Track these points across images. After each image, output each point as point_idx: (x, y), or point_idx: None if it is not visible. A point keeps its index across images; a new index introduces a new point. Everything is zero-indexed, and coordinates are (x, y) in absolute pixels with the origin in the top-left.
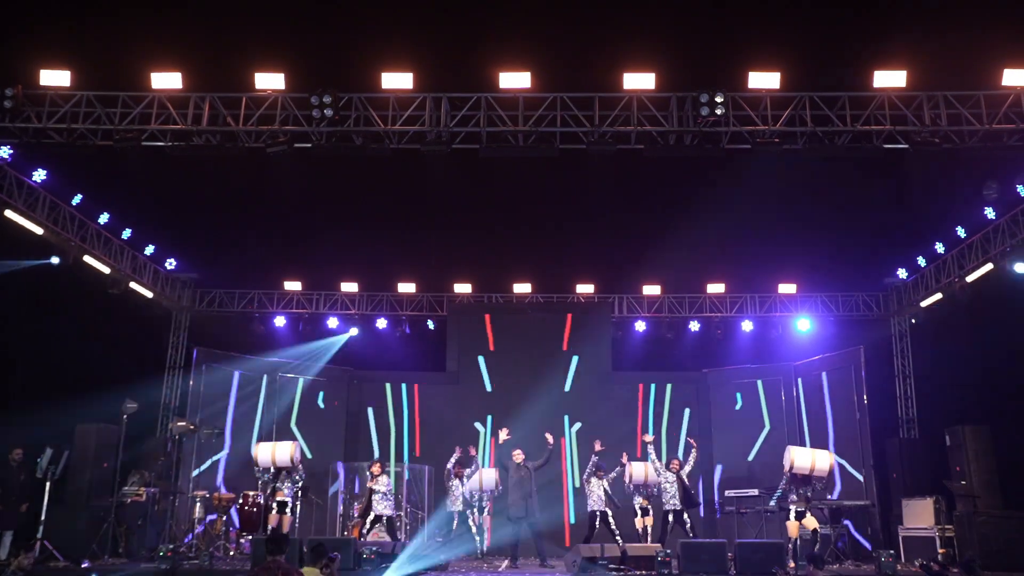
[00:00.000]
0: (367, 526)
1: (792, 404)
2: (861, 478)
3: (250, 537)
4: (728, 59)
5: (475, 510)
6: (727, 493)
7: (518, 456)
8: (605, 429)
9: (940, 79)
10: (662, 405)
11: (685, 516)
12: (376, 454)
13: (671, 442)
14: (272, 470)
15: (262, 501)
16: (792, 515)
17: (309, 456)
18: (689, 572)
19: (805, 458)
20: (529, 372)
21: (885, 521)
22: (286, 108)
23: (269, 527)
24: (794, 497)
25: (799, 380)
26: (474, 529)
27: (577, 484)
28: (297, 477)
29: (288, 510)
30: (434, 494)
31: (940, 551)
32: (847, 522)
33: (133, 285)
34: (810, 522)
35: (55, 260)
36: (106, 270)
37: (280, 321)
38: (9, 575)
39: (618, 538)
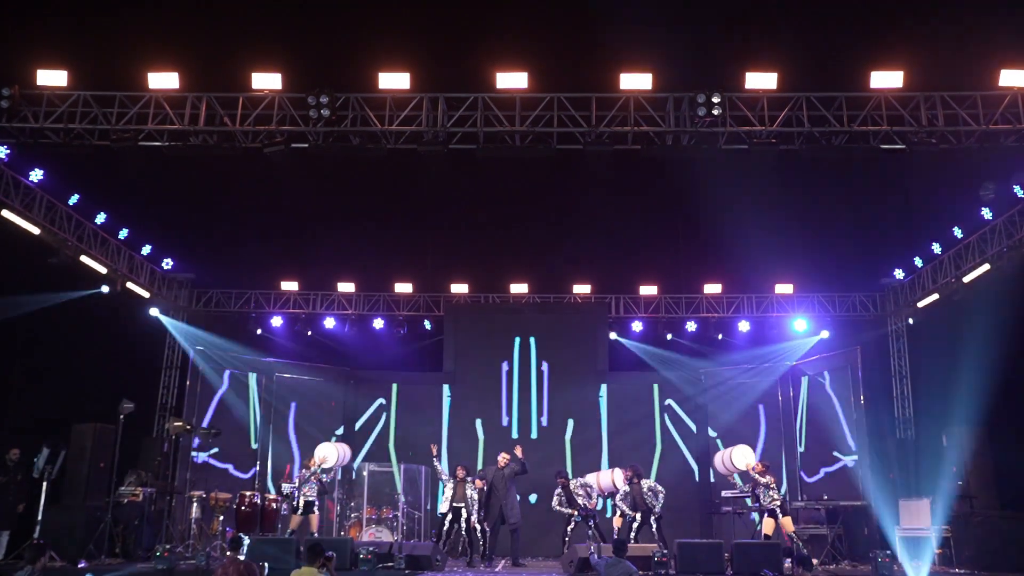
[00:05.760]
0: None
1: (789, 405)
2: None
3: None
4: (725, 60)
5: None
6: (723, 494)
7: (503, 459)
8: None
9: (937, 80)
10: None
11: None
12: (364, 453)
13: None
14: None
15: (258, 501)
16: (780, 513)
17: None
18: (686, 572)
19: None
20: (526, 373)
21: (882, 521)
22: (283, 108)
23: (291, 529)
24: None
25: (795, 380)
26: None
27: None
28: (325, 478)
29: (315, 508)
30: (431, 494)
31: (937, 551)
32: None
33: (130, 285)
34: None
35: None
36: (103, 270)
37: (277, 321)
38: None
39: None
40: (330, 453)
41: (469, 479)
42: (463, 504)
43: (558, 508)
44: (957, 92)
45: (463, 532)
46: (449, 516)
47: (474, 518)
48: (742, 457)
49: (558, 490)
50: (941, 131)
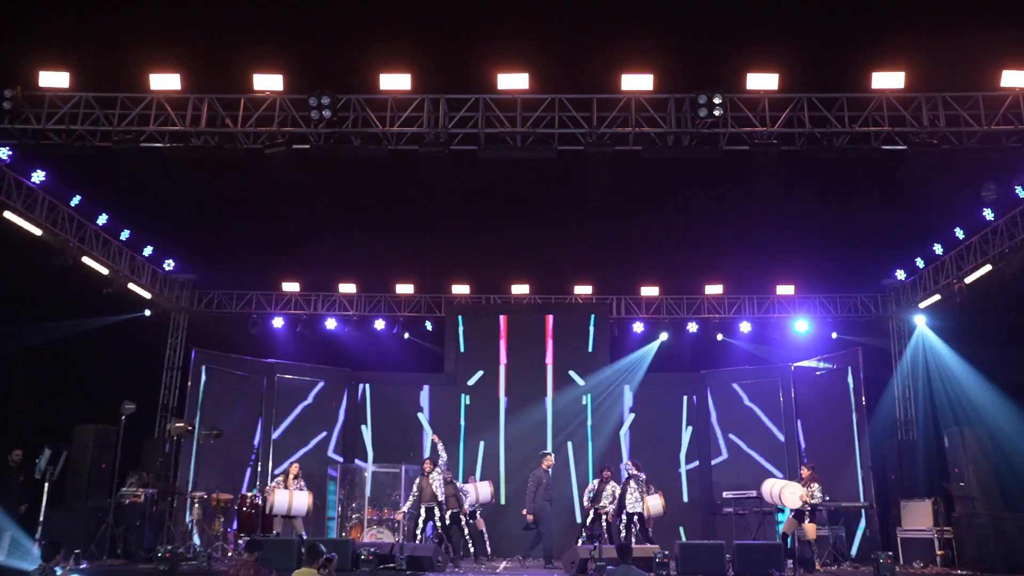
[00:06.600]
0: (420, 526)
1: (790, 406)
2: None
3: (248, 538)
4: (726, 60)
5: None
6: (724, 494)
7: (549, 460)
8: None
9: (938, 80)
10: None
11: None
12: (371, 455)
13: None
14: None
15: (260, 502)
16: (807, 518)
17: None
18: (687, 573)
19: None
20: (527, 373)
21: (884, 523)
22: (284, 109)
23: (275, 531)
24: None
25: (797, 381)
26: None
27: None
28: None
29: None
30: None
31: (938, 552)
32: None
33: (131, 286)
34: (811, 529)
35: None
36: (104, 271)
37: (278, 322)
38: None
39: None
40: (279, 500)
41: (437, 474)
42: (434, 503)
43: (585, 497)
44: (959, 93)
45: (442, 531)
46: (422, 515)
47: (449, 516)
48: (791, 496)
49: (595, 482)
50: (943, 132)
